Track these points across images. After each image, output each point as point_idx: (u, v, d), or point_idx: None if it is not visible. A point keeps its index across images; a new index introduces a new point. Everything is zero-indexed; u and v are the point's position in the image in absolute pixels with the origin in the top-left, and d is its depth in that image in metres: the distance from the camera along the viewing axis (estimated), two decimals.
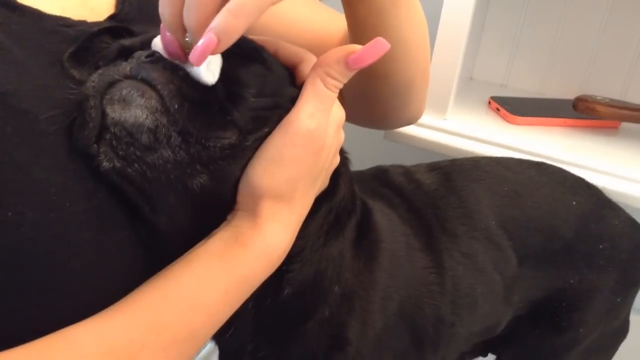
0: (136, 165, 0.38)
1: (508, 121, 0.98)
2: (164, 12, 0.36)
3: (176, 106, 0.38)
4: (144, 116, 0.38)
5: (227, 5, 0.34)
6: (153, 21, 0.49)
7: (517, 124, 0.97)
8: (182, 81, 0.38)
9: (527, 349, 0.71)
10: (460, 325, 0.60)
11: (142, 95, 0.38)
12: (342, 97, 0.65)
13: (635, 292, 0.72)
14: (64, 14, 0.44)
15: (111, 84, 0.39)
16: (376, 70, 0.58)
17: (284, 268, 0.46)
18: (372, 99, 0.63)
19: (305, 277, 0.49)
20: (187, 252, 0.41)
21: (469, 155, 0.90)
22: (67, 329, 0.36)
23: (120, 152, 0.38)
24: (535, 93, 1.14)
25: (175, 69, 0.39)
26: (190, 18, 0.35)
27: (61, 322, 0.37)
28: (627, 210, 0.73)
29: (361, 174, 0.66)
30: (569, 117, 0.99)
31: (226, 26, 0.34)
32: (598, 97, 0.96)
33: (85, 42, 0.43)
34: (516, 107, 1.00)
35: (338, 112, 0.45)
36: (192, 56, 0.35)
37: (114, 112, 0.38)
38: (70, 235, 0.37)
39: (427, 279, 0.58)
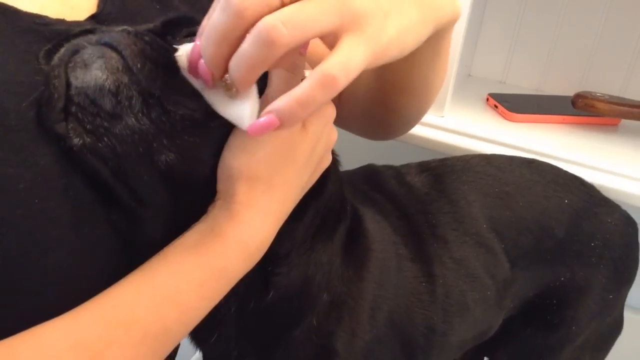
0: (105, 139, 0.37)
1: (506, 118, 0.98)
2: (207, 50, 0.35)
3: (138, 65, 0.37)
4: (104, 77, 0.37)
5: (295, 93, 0.34)
6: (135, 21, 0.48)
7: (516, 121, 0.97)
8: (146, 44, 0.38)
9: (521, 348, 0.72)
10: (452, 334, 0.60)
11: (102, 57, 0.37)
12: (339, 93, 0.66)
13: (628, 289, 0.72)
14: (43, 11, 0.43)
15: (75, 52, 0.38)
16: (391, 103, 0.59)
17: (269, 269, 0.46)
18: (379, 123, 0.64)
19: (292, 281, 0.48)
20: (165, 247, 0.41)
21: (467, 153, 0.90)
22: (36, 327, 0.36)
23: (88, 126, 0.37)
24: (534, 90, 1.13)
25: (140, 35, 0.38)
26: (238, 73, 0.35)
27: (32, 321, 0.36)
28: (627, 209, 0.73)
29: (352, 174, 0.66)
30: (568, 114, 0.98)
31: (291, 115, 0.34)
32: (597, 94, 0.95)
33: (63, 41, 0.42)
34: (515, 104, 0.99)
35: (327, 107, 0.44)
36: (251, 129, 0.35)
37: (76, 79, 0.37)
38: (40, 232, 0.36)
39: (417, 288, 0.57)
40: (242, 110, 0.38)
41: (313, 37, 0.34)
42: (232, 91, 0.37)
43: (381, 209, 0.60)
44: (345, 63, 0.34)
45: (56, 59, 0.38)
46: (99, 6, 0.47)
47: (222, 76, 0.37)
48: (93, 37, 0.39)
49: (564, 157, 0.86)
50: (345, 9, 0.34)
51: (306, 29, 0.33)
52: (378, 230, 0.57)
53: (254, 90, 0.38)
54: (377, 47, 0.35)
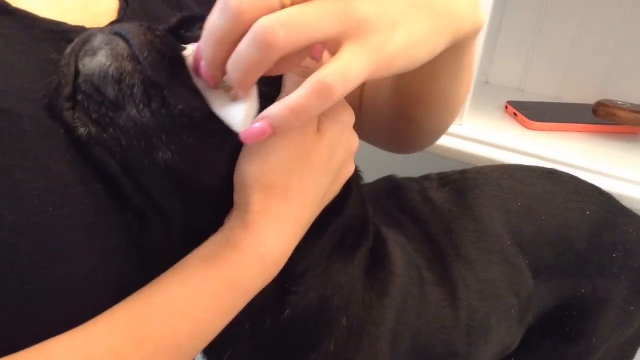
0: (111, 130, 0.37)
1: (526, 127, 0.98)
2: (206, 51, 0.35)
3: (145, 54, 0.37)
4: (108, 63, 0.37)
5: (289, 101, 0.33)
6: None
7: (535, 130, 0.97)
8: (156, 37, 0.38)
9: (539, 359, 0.71)
10: (475, 356, 0.59)
11: (109, 44, 0.37)
12: (360, 102, 0.65)
13: None
14: (62, 18, 0.42)
15: (86, 41, 0.38)
16: (411, 115, 0.58)
17: (286, 286, 0.44)
18: (401, 136, 0.63)
19: (309, 302, 0.46)
20: (182, 259, 0.40)
21: (486, 162, 0.90)
22: (48, 341, 0.35)
23: (94, 115, 0.37)
24: (553, 97, 1.13)
25: (153, 28, 0.39)
26: (235, 75, 0.34)
27: (43, 331, 0.35)
28: None
29: (375, 190, 0.65)
30: (588, 123, 0.98)
31: (284, 123, 0.33)
32: (619, 103, 0.94)
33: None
34: (534, 112, 0.99)
35: (347, 114, 0.43)
36: (244, 135, 0.35)
37: (84, 67, 0.37)
38: (53, 240, 0.36)
39: (440, 313, 0.56)
40: (238, 113, 0.37)
41: (312, 42, 0.33)
42: (231, 93, 0.37)
43: (405, 232, 0.59)
44: (343, 72, 0.32)
45: (69, 48, 0.39)
46: (119, 13, 0.47)
47: (222, 78, 0.36)
48: (107, 28, 0.39)
49: (585, 166, 0.86)
50: (349, 16, 0.33)
51: (304, 33, 0.32)
52: (402, 254, 0.56)
53: (253, 93, 0.37)
54: (380, 58, 0.34)
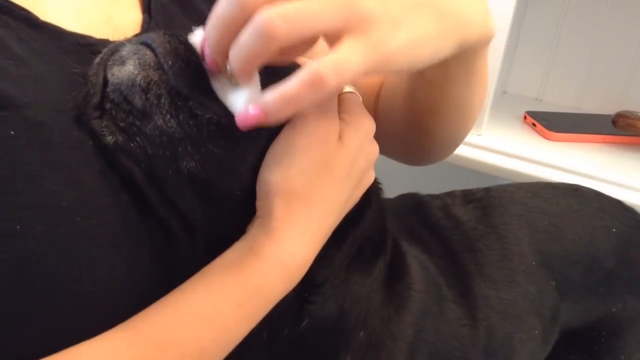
0: (137, 139, 0.38)
1: (545, 137, 0.97)
2: (210, 37, 0.36)
3: (170, 62, 0.38)
4: (136, 72, 0.38)
5: (282, 89, 0.33)
6: None
7: (555, 140, 0.96)
8: (180, 43, 0.39)
9: None
10: None
11: (137, 53, 0.38)
12: (375, 113, 0.65)
13: None
14: (87, 30, 0.43)
15: (114, 51, 0.39)
16: (425, 125, 0.57)
17: (305, 295, 0.44)
18: (414, 147, 0.63)
19: (327, 313, 0.46)
20: (205, 267, 0.40)
21: (505, 172, 0.90)
22: (73, 347, 0.36)
23: (121, 124, 0.38)
24: (572, 108, 1.12)
25: (176, 35, 0.40)
26: (236, 63, 0.35)
27: (69, 341, 0.36)
28: None
29: (397, 206, 0.65)
30: (608, 134, 0.97)
31: (275, 110, 0.34)
32: (639, 114, 0.94)
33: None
34: (553, 123, 0.98)
35: (368, 122, 0.44)
36: (237, 120, 0.35)
37: (112, 76, 0.38)
38: (80, 251, 0.36)
39: (459, 331, 0.56)
40: (238, 99, 0.38)
41: (312, 35, 0.34)
42: (233, 80, 0.38)
43: (427, 248, 0.59)
44: (338, 65, 0.33)
45: (97, 58, 0.39)
46: (142, 26, 0.47)
47: (225, 64, 0.37)
48: (134, 38, 0.40)
49: (604, 177, 0.86)
50: (352, 11, 0.33)
51: (304, 26, 0.33)
52: (422, 270, 0.56)
53: (255, 80, 0.38)
54: (379, 54, 0.34)
